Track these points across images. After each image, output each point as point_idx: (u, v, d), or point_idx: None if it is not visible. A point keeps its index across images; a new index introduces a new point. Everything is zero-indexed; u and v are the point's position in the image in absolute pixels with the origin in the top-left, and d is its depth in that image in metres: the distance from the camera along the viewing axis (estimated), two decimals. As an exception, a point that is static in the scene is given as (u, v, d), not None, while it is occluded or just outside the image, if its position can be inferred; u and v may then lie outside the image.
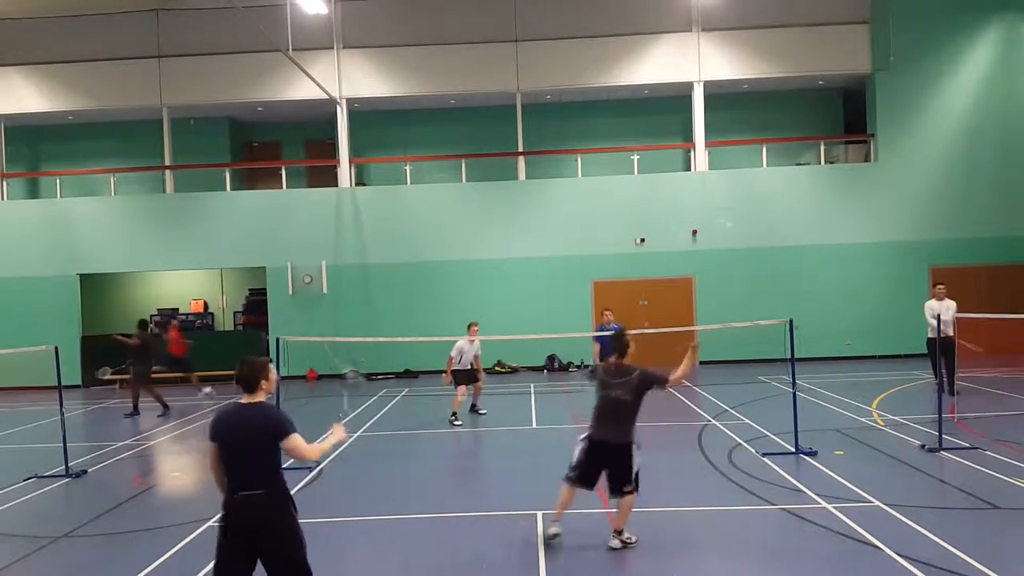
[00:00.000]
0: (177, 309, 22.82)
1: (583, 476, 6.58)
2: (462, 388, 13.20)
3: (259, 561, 4.52)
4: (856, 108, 21.51)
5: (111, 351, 21.25)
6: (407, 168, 21.38)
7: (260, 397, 4.67)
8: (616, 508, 6.55)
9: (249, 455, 4.51)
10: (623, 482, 6.42)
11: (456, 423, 12.79)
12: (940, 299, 13.29)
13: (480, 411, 13.69)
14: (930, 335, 13.10)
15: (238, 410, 4.60)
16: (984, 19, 19.98)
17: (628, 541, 6.45)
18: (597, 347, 13.81)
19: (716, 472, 8.89)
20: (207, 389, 17.66)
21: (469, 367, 13.31)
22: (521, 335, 17.42)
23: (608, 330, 13.20)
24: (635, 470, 6.48)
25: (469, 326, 13.42)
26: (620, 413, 6.57)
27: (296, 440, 4.57)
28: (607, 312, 14.52)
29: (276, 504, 4.53)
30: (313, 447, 4.73)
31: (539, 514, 7.38)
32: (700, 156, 20.49)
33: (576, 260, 20.25)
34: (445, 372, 13.38)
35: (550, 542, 6.53)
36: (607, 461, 6.51)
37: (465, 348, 13.17)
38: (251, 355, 4.98)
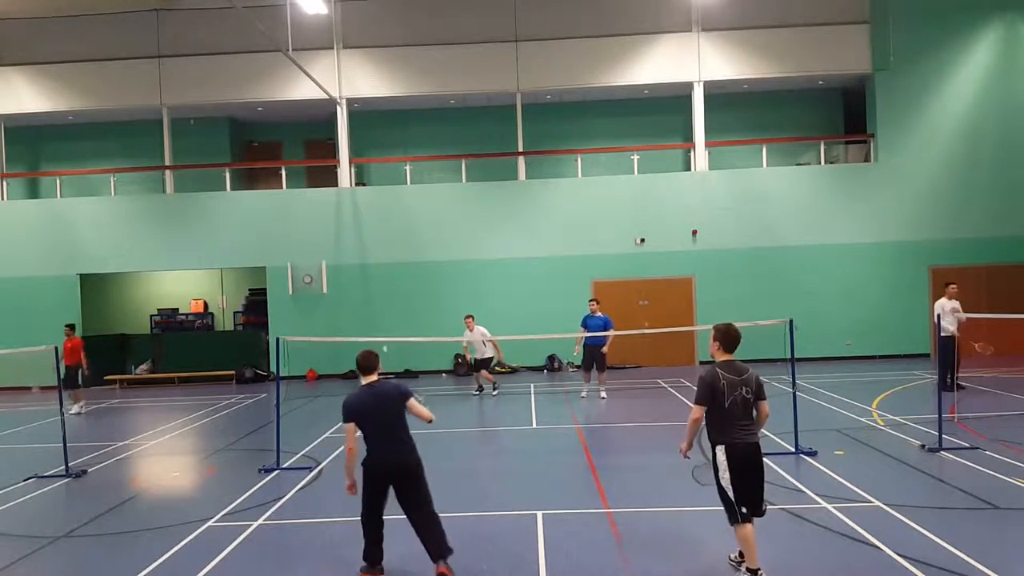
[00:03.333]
0: (177, 309, 22.85)
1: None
2: (483, 372, 15.95)
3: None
4: (856, 108, 21.50)
5: (111, 351, 21.40)
6: (407, 168, 21.38)
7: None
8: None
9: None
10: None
11: (494, 393, 15.80)
12: (952, 297, 13.66)
13: (493, 392, 15.97)
14: (949, 334, 12.90)
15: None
16: (984, 19, 20.00)
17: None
18: (581, 335, 14.83)
19: (716, 472, 8.87)
20: (74, 410, 15.62)
21: (486, 356, 15.78)
22: (521, 335, 17.42)
23: (596, 319, 14.81)
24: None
25: (464, 319, 15.82)
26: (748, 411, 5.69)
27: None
28: (592, 303, 15.29)
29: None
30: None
31: (539, 514, 7.38)
32: (700, 156, 20.49)
33: (576, 260, 20.26)
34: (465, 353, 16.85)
35: None
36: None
37: (469, 339, 15.61)
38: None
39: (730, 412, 5.56)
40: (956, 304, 13.59)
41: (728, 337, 5.78)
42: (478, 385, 16.25)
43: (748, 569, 5.50)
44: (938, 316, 11.71)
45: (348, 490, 6.08)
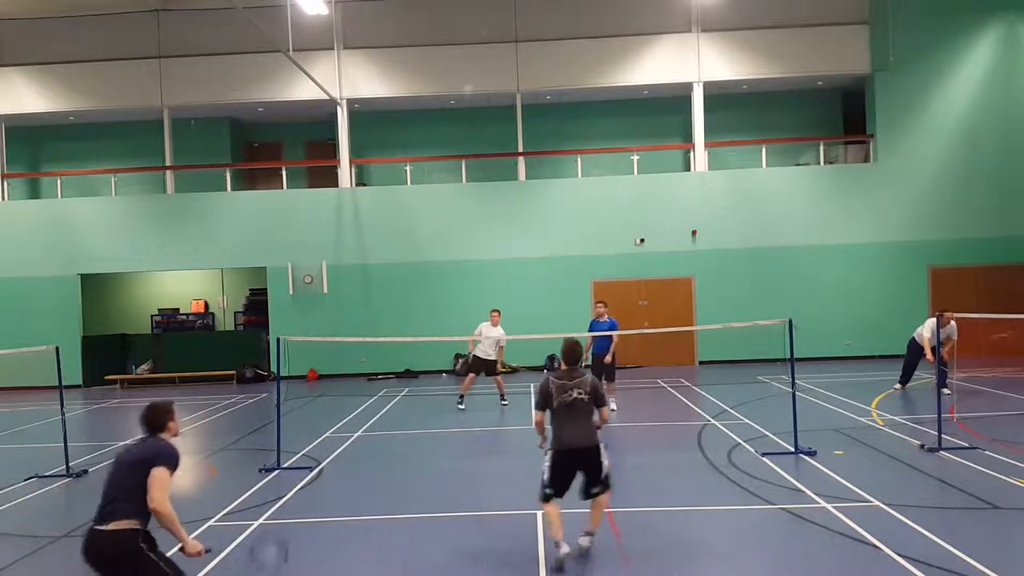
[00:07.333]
0: (178, 309, 22.86)
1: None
2: (471, 376, 14.21)
3: None
4: (856, 108, 21.51)
5: (112, 351, 21.41)
6: (407, 168, 21.39)
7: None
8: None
9: None
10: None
11: (460, 407, 13.85)
12: (946, 325, 12.58)
13: (503, 402, 14.28)
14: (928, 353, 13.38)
15: None
16: (984, 19, 20.01)
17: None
18: (590, 340, 12.65)
19: (716, 472, 8.89)
20: None
21: (490, 358, 14.06)
22: (521, 335, 17.41)
23: (602, 325, 12.81)
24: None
25: (490, 312, 14.36)
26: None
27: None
28: (600, 305, 13.21)
29: None
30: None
31: (539, 514, 7.38)
32: (700, 156, 20.50)
33: (576, 260, 20.26)
34: (469, 343, 14.72)
35: None
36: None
37: (484, 330, 14.05)
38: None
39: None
40: (947, 329, 12.80)
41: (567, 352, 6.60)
42: (501, 394, 14.29)
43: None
44: (929, 333, 12.29)
45: None
